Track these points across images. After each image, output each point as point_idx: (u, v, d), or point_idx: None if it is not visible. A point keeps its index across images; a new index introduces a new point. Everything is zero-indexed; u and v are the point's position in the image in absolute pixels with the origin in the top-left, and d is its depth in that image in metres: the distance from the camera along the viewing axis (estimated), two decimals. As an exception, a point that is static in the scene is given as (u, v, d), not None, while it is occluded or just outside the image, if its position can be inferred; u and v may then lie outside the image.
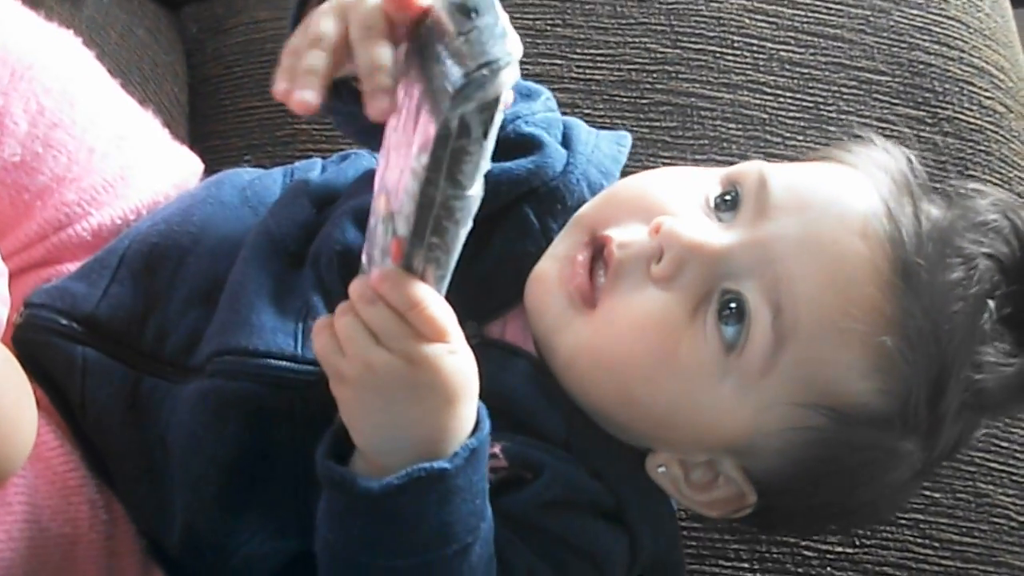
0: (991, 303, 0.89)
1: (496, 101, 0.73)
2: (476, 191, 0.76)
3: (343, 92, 0.83)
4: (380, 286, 0.78)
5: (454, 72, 0.72)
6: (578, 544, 0.91)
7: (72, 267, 0.99)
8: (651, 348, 0.88)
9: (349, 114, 0.85)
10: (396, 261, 0.77)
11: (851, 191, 0.89)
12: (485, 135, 0.74)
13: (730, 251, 0.88)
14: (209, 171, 1.08)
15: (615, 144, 0.99)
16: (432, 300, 0.79)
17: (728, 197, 0.90)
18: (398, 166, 0.77)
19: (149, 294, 0.96)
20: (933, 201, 0.91)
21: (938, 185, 0.96)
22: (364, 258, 0.82)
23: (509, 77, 0.73)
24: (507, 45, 0.73)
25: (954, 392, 0.88)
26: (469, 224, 0.77)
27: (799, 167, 0.94)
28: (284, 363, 0.89)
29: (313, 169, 1.01)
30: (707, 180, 0.92)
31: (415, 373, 0.79)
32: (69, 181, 0.98)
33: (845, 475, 0.90)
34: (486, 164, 0.75)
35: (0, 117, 0.96)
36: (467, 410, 0.82)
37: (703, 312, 0.88)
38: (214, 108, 1.25)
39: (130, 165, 1.01)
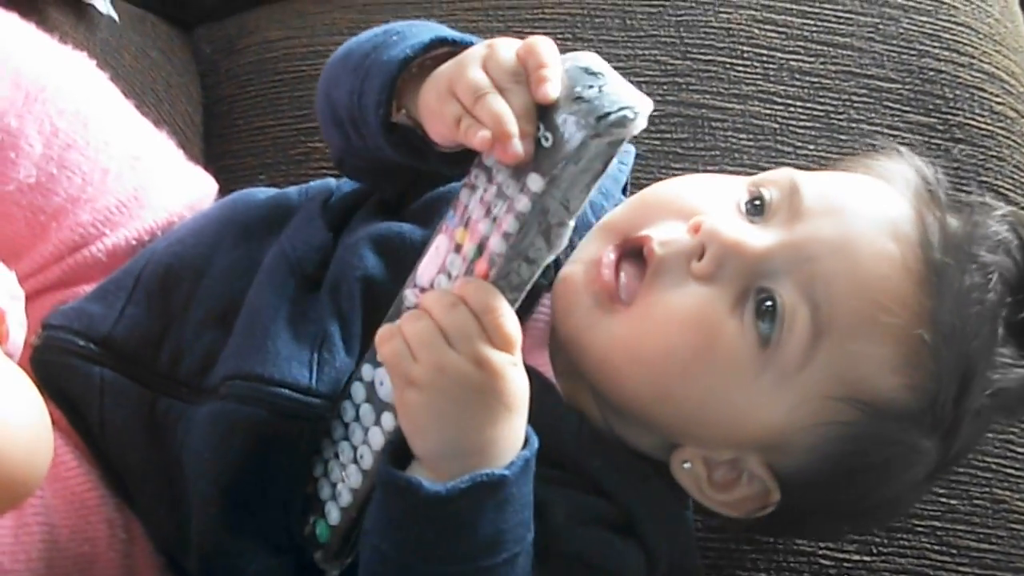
0: (1003, 310, 0.93)
1: (620, 143, 0.81)
2: (573, 223, 0.82)
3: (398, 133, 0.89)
4: (463, 289, 0.83)
5: (601, 105, 0.80)
6: (595, 561, 0.91)
7: (88, 288, 0.99)
8: (691, 342, 0.90)
9: (378, 149, 0.91)
10: (485, 277, 0.83)
11: (880, 197, 0.93)
12: (602, 172, 0.81)
13: (768, 251, 0.90)
14: (224, 190, 1.09)
15: (617, 162, 0.98)
16: (507, 311, 0.83)
17: (757, 202, 0.93)
18: (485, 199, 0.83)
19: (165, 315, 0.96)
20: (952, 211, 0.94)
21: (952, 193, 0.98)
22: (412, 290, 0.87)
23: (638, 126, 0.81)
24: (640, 99, 0.81)
25: (977, 391, 0.91)
26: (552, 256, 0.83)
27: (828, 174, 0.97)
28: (297, 395, 0.90)
29: (327, 190, 1.01)
30: (735, 186, 0.95)
31: (483, 378, 0.82)
32: (84, 202, 0.99)
33: (868, 472, 0.92)
34: (586, 201, 0.82)
35: (15, 139, 0.96)
36: (521, 421, 0.85)
37: (740, 309, 0.90)
38: (228, 128, 1.26)
39: (144, 185, 1.02)
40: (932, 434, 0.91)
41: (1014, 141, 1.24)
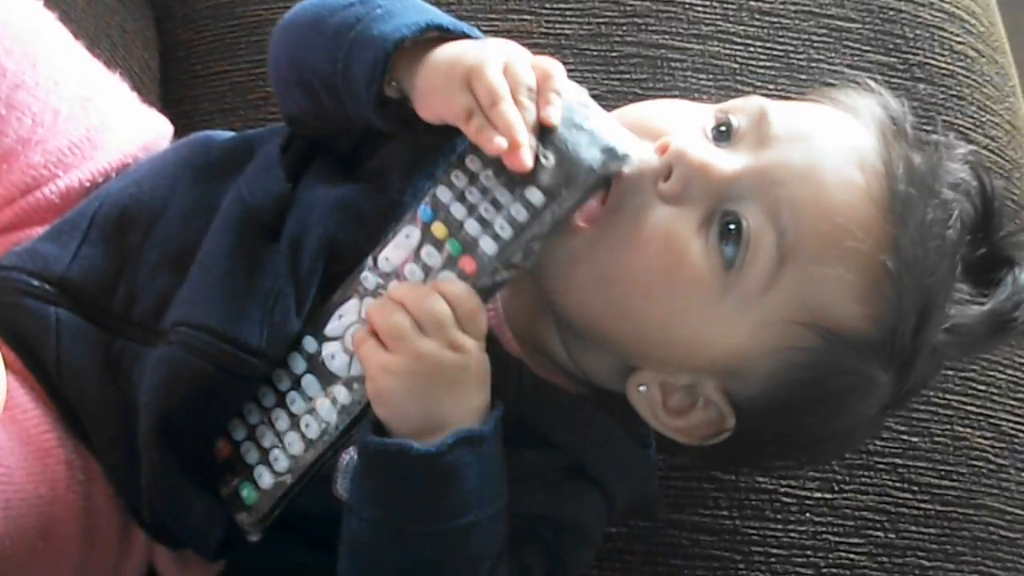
0: (962, 247, 0.94)
1: (610, 181, 0.88)
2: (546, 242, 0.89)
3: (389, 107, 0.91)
4: (438, 284, 0.88)
5: (604, 139, 0.87)
6: (555, 516, 0.93)
7: (41, 231, 0.99)
8: (655, 262, 0.89)
9: (358, 117, 0.93)
10: (471, 273, 0.88)
11: (847, 127, 0.94)
12: (585, 199, 0.88)
13: (735, 175, 0.90)
14: (182, 136, 1.08)
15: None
16: (479, 303, 0.87)
17: (723, 128, 0.93)
18: (469, 201, 0.89)
19: (119, 257, 0.96)
20: (916, 148, 0.94)
21: (918, 130, 0.98)
22: (372, 271, 0.91)
23: (632, 165, 0.88)
24: (632, 139, 0.89)
25: (935, 325, 0.92)
26: (525, 267, 0.89)
27: (797, 103, 0.98)
28: (245, 355, 0.91)
29: (277, 137, 1.00)
30: (702, 112, 0.95)
31: (457, 359, 0.86)
32: (35, 143, 0.98)
33: (824, 401, 0.92)
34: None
35: None
36: (488, 391, 0.88)
37: (705, 230, 0.90)
38: (185, 73, 1.25)
39: (96, 127, 1.01)
40: (888, 366, 0.91)
41: (974, 80, 1.24)
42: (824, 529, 1.07)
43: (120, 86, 1.07)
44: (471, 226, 0.88)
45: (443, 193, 0.90)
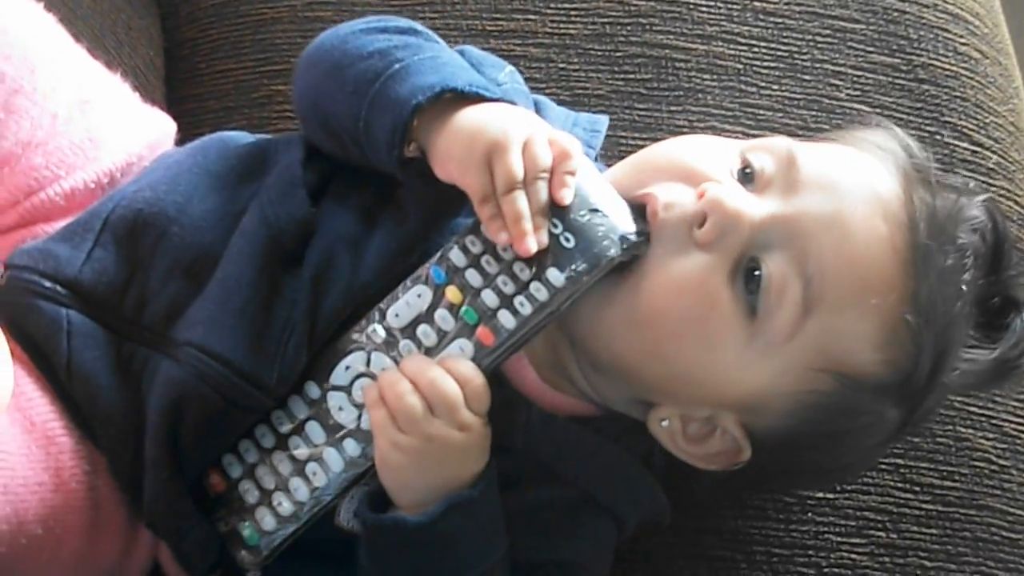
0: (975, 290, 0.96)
1: (615, 264, 0.91)
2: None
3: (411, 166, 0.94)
4: (446, 362, 0.90)
5: (620, 225, 0.91)
6: (563, 556, 0.96)
7: (48, 228, 0.99)
8: (688, 307, 0.91)
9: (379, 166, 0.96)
10: (489, 344, 0.91)
11: (874, 176, 0.95)
12: (598, 279, 0.91)
13: (763, 222, 0.92)
14: (187, 134, 1.08)
15: (589, 132, 1.03)
16: (484, 381, 0.90)
17: (747, 171, 0.95)
18: (486, 271, 0.92)
19: (132, 260, 0.96)
20: (934, 190, 0.96)
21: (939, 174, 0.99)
22: (379, 325, 0.93)
23: (644, 250, 0.92)
24: (634, 222, 0.92)
25: (950, 367, 0.94)
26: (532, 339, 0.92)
27: (824, 148, 0.99)
28: (256, 392, 0.93)
29: (298, 147, 1.00)
30: (729, 151, 0.96)
31: (465, 439, 0.90)
32: (35, 146, 0.98)
33: (837, 437, 0.95)
34: None
35: None
36: (487, 459, 0.92)
37: (733, 278, 0.92)
38: (190, 71, 1.25)
39: (97, 128, 1.01)
40: (900, 404, 0.94)
41: (977, 82, 1.24)
42: (826, 529, 1.07)
43: (121, 87, 1.07)
44: (489, 297, 0.91)
45: (457, 256, 0.92)
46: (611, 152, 1.12)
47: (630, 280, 0.92)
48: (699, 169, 0.94)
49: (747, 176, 0.94)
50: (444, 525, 0.90)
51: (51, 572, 0.94)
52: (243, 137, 1.04)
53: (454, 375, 0.90)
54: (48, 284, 0.96)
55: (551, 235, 0.90)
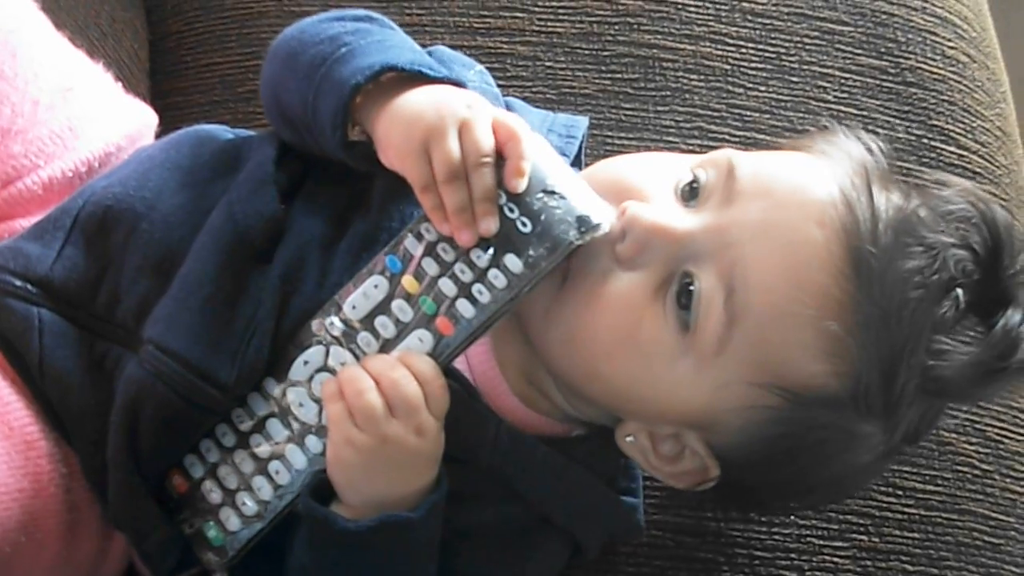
0: (959, 292, 0.91)
1: (575, 249, 0.88)
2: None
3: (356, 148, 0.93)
4: (409, 360, 0.88)
5: (579, 207, 0.88)
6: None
7: (25, 223, 0.98)
8: (613, 326, 0.90)
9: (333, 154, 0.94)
10: (449, 334, 0.89)
11: (813, 180, 0.91)
12: (559, 264, 0.89)
13: (691, 235, 0.90)
14: (171, 128, 1.07)
15: (564, 138, 1.00)
16: (444, 382, 0.89)
17: (695, 185, 0.92)
18: (442, 259, 0.90)
19: (103, 257, 0.95)
20: (897, 190, 0.93)
21: (901, 170, 0.97)
22: (337, 316, 0.91)
23: (604, 232, 0.89)
24: (601, 204, 0.89)
25: (906, 376, 0.89)
26: (493, 328, 0.91)
27: (766, 156, 0.96)
28: (214, 391, 0.91)
29: (272, 144, 0.99)
30: (679, 167, 0.94)
31: (420, 444, 0.88)
32: (15, 134, 0.97)
33: (803, 453, 0.92)
34: None
35: None
36: (436, 472, 0.91)
37: (663, 293, 0.90)
38: (175, 65, 1.24)
39: (78, 116, 1.00)
40: (868, 419, 0.90)
41: (965, 85, 1.24)
42: (808, 532, 1.07)
43: (103, 76, 1.06)
44: (446, 286, 0.89)
45: (412, 245, 0.91)
46: (597, 152, 1.12)
47: (563, 298, 0.91)
48: (632, 187, 0.92)
49: (693, 191, 0.92)
50: (373, 539, 0.89)
51: None
52: (219, 132, 1.03)
53: (415, 374, 0.88)
54: (19, 283, 0.95)
55: (507, 220, 0.88)
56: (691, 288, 0.89)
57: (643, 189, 0.92)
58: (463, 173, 0.88)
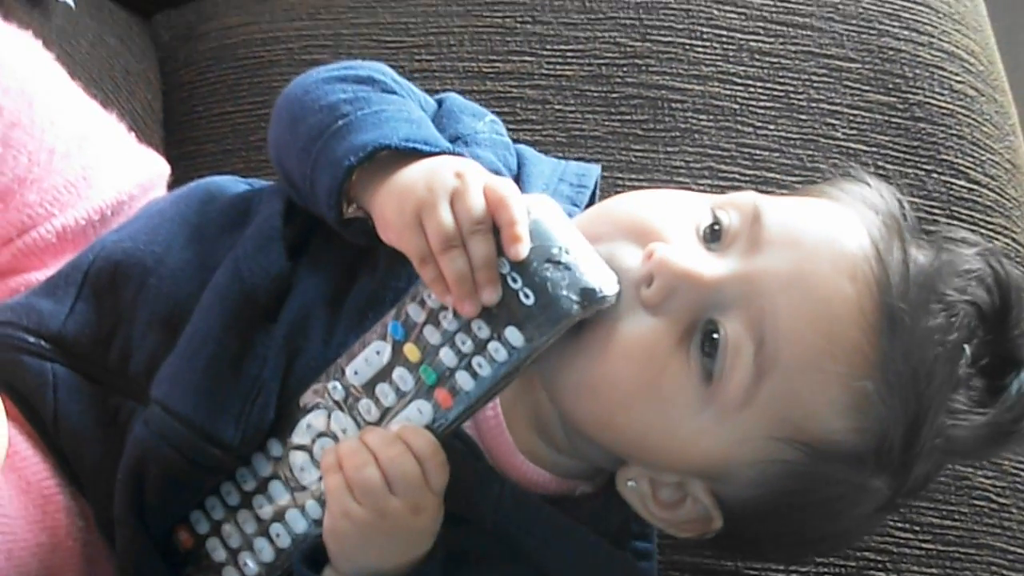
0: (967, 349, 0.90)
1: (578, 321, 0.86)
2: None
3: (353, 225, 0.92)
4: (408, 436, 0.87)
5: (584, 278, 0.86)
6: None
7: (38, 275, 0.99)
8: (635, 373, 0.88)
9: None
10: (448, 406, 0.88)
11: (843, 231, 0.90)
12: (561, 335, 0.87)
13: (719, 282, 0.88)
14: (185, 178, 1.08)
15: (576, 187, 0.99)
16: (443, 457, 0.87)
17: (716, 227, 0.91)
18: (443, 327, 0.88)
19: (114, 312, 0.96)
20: (920, 245, 0.92)
21: (923, 224, 0.97)
22: (339, 381, 0.91)
23: (610, 303, 0.87)
24: (608, 272, 0.87)
25: (928, 435, 0.88)
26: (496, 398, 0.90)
27: (793, 202, 0.94)
28: (217, 451, 0.91)
29: (280, 199, 0.98)
30: (698, 207, 0.92)
31: (417, 522, 0.88)
32: (30, 182, 0.98)
33: (813, 508, 0.91)
34: None
35: None
36: (431, 544, 0.90)
37: (687, 341, 0.88)
38: (187, 115, 1.25)
39: (92, 165, 1.01)
40: (881, 474, 0.89)
41: (973, 120, 1.24)
42: (826, 570, 1.07)
43: (116, 125, 1.07)
44: (447, 356, 0.88)
45: (415, 312, 0.89)
46: (607, 193, 1.11)
47: (582, 343, 0.88)
48: (654, 227, 0.90)
49: (715, 233, 0.90)
50: None
51: None
52: (230, 184, 1.03)
53: (414, 451, 0.87)
54: (32, 339, 0.95)
55: (510, 291, 0.86)
56: (715, 336, 0.87)
57: (666, 230, 0.90)
58: (460, 242, 0.86)
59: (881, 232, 0.89)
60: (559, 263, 0.86)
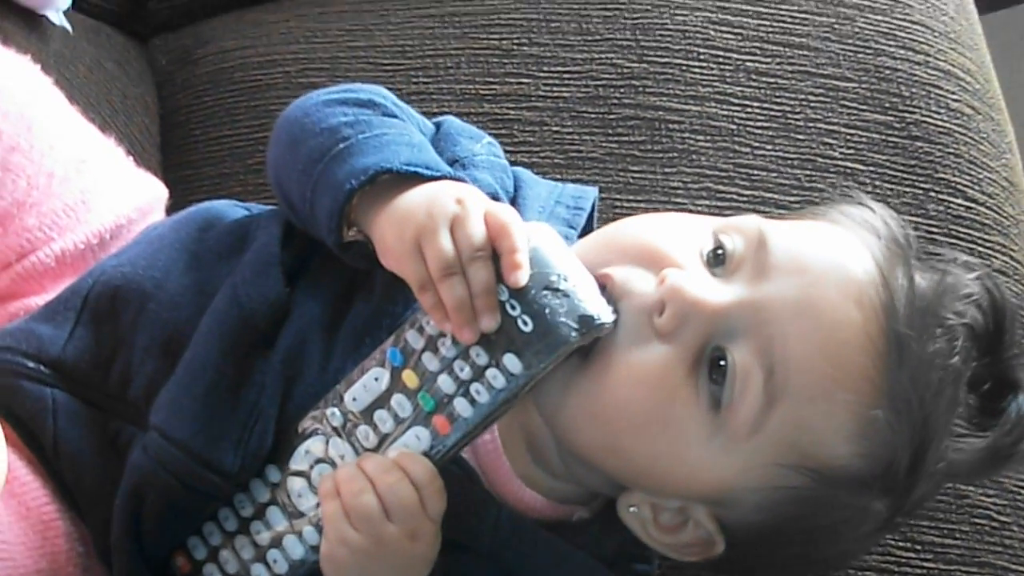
0: (966, 373, 0.91)
1: (576, 348, 0.86)
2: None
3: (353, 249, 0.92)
4: (406, 463, 0.87)
5: (582, 306, 0.86)
6: None
7: (37, 300, 0.99)
8: (646, 401, 0.88)
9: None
10: (446, 433, 0.88)
11: (849, 257, 0.90)
12: (560, 361, 0.87)
13: (726, 309, 0.88)
14: (183, 201, 1.08)
15: (572, 209, 0.99)
16: (441, 484, 0.87)
17: (720, 252, 0.91)
18: (441, 353, 0.88)
19: (114, 337, 0.96)
20: (923, 269, 0.92)
21: (924, 247, 0.97)
22: (338, 407, 0.90)
23: (607, 331, 0.87)
24: (603, 302, 0.87)
25: (932, 459, 0.89)
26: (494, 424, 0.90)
27: (797, 227, 0.94)
28: (216, 479, 0.91)
29: (277, 224, 0.98)
30: (700, 231, 0.92)
31: (415, 548, 0.87)
32: (29, 206, 0.98)
33: (817, 531, 0.91)
34: None
35: None
36: (429, 569, 0.89)
37: (697, 369, 0.88)
38: (185, 139, 1.25)
39: (91, 189, 1.01)
40: (884, 497, 0.90)
41: (970, 138, 1.25)
42: (829, 590, 1.07)
43: (114, 149, 1.07)
44: (445, 383, 0.88)
45: (413, 338, 0.89)
46: (606, 215, 1.12)
47: (590, 369, 0.88)
48: (663, 252, 0.90)
49: (718, 258, 0.90)
50: None
51: None
52: (228, 210, 1.02)
53: (411, 478, 0.86)
54: (32, 364, 0.95)
55: (508, 317, 0.86)
56: (722, 364, 0.87)
57: (675, 256, 0.90)
58: (459, 269, 0.86)
59: (885, 257, 0.90)
60: (558, 290, 0.86)
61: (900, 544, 1.08)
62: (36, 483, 0.94)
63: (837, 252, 0.90)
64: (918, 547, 1.09)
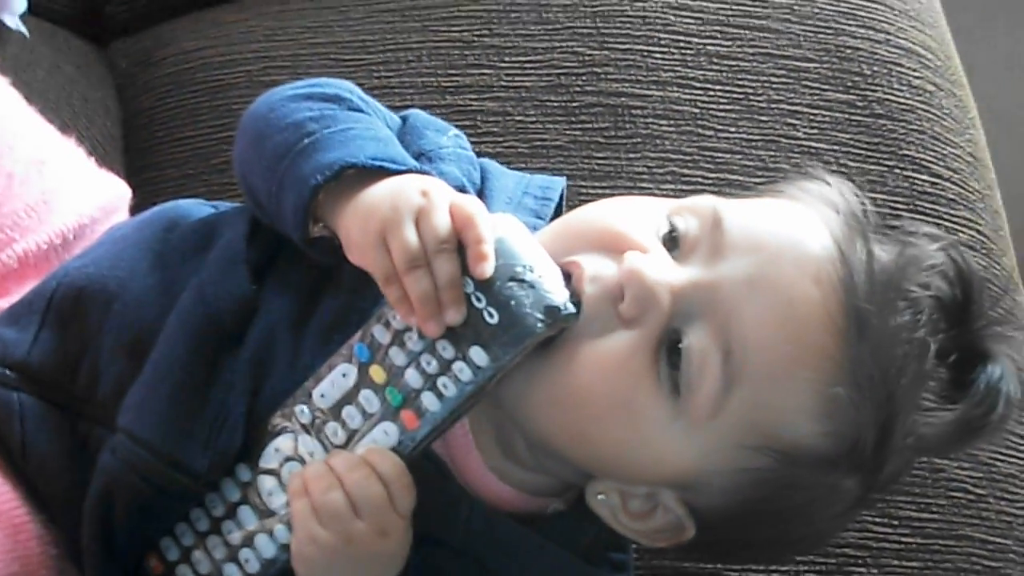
0: (933, 345, 0.89)
1: (543, 339, 0.86)
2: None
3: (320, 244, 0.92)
4: (374, 459, 0.86)
5: (548, 296, 0.86)
6: None
7: (2, 303, 0.98)
8: (610, 389, 0.87)
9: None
10: (413, 428, 0.87)
11: (805, 233, 0.89)
12: (526, 353, 0.86)
13: (683, 291, 0.87)
14: (147, 203, 1.07)
15: (540, 200, 0.98)
16: (411, 481, 0.86)
17: (674, 234, 0.90)
18: (408, 347, 0.87)
19: (80, 339, 0.95)
20: (882, 243, 0.91)
21: (884, 221, 0.96)
22: (306, 405, 0.90)
23: (572, 320, 0.86)
24: (565, 292, 0.86)
25: (899, 434, 0.88)
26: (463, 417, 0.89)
27: (753, 205, 0.93)
28: (185, 479, 0.91)
29: (243, 220, 0.97)
30: (656, 213, 0.91)
31: (384, 545, 0.87)
32: None
33: (787, 512, 0.90)
34: None
35: None
36: (400, 566, 0.89)
37: (658, 353, 0.87)
38: (148, 141, 1.25)
39: (52, 189, 1.00)
40: (853, 475, 0.88)
41: (933, 114, 1.25)
42: (806, 568, 1.07)
43: (76, 150, 1.07)
44: (412, 377, 0.87)
45: (380, 333, 0.89)
46: (572, 202, 1.11)
47: (554, 358, 0.87)
48: (625, 235, 0.89)
49: (673, 240, 0.89)
50: None
51: None
52: (194, 208, 1.01)
53: (379, 474, 0.86)
54: None
55: (474, 310, 0.86)
56: (680, 347, 0.86)
57: (637, 239, 0.89)
58: (424, 261, 0.85)
59: (843, 231, 0.89)
60: (523, 281, 0.86)
61: (877, 520, 1.09)
62: (6, 487, 0.93)
63: (794, 228, 0.89)
64: (895, 522, 1.09)
